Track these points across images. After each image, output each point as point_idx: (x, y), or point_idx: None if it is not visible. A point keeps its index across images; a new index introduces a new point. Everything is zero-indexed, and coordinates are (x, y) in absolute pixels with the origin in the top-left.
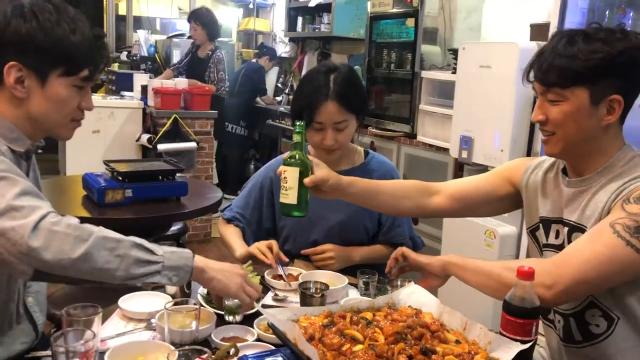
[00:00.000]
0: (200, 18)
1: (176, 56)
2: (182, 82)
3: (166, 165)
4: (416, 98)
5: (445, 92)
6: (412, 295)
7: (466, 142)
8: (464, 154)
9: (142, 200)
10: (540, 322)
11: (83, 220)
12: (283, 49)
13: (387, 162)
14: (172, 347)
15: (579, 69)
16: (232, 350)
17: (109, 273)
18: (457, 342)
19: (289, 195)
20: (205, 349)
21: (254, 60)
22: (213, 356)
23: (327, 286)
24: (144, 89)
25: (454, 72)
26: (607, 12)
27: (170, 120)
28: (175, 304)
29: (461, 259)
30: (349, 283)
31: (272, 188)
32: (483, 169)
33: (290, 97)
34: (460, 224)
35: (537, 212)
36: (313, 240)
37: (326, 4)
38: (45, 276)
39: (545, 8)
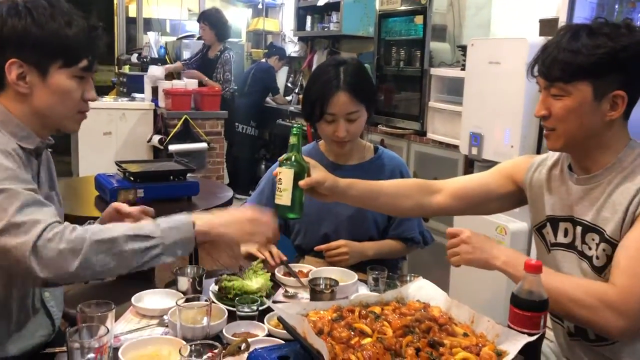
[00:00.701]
0: (209, 19)
1: (186, 57)
2: (192, 83)
3: (177, 165)
4: (425, 95)
5: (455, 89)
6: (420, 290)
7: (476, 139)
8: (474, 151)
9: (153, 201)
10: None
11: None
12: (292, 48)
13: (397, 157)
14: (184, 343)
15: (582, 64)
16: (243, 345)
17: (111, 272)
18: (465, 335)
19: (283, 197)
20: (217, 344)
21: (263, 60)
22: (224, 351)
23: (336, 282)
24: (155, 90)
25: (463, 69)
26: (616, 6)
27: (181, 121)
28: (187, 300)
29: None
30: (358, 279)
31: None
32: (493, 165)
33: (300, 96)
34: (471, 220)
35: (543, 210)
36: (324, 234)
37: (335, 2)
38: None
39: (554, 3)
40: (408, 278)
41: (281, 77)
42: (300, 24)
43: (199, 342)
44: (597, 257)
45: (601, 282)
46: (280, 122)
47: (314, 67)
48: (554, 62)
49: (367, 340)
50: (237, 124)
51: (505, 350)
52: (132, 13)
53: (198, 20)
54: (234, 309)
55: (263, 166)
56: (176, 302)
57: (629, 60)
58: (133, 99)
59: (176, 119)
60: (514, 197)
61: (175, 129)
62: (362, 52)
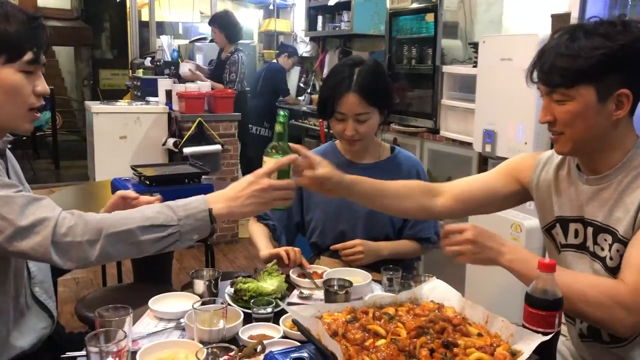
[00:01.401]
0: (219, 22)
1: (199, 60)
2: (205, 86)
3: (192, 168)
4: (438, 93)
5: (467, 86)
6: (434, 290)
7: (489, 136)
8: (488, 148)
9: None
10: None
11: None
12: (304, 48)
13: (413, 157)
14: (201, 345)
15: (581, 68)
16: (259, 348)
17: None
18: (479, 335)
19: None
20: (233, 347)
21: (275, 60)
22: (240, 353)
23: (350, 283)
24: (169, 93)
25: (475, 66)
26: (629, 0)
27: (195, 124)
28: (203, 303)
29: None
30: (373, 279)
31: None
32: None
33: (313, 96)
34: (486, 218)
35: (552, 211)
36: (340, 231)
37: (346, 2)
38: None
39: None
40: (422, 278)
41: (293, 77)
42: (311, 24)
43: (215, 345)
44: (611, 258)
45: (612, 279)
46: (292, 122)
47: (326, 66)
48: (552, 68)
49: (382, 341)
50: (250, 125)
51: (519, 349)
52: (145, 17)
53: (209, 24)
54: (250, 311)
55: None
56: (192, 305)
57: (628, 58)
58: (147, 102)
59: (190, 122)
60: (518, 196)
61: (190, 132)
62: (373, 50)
